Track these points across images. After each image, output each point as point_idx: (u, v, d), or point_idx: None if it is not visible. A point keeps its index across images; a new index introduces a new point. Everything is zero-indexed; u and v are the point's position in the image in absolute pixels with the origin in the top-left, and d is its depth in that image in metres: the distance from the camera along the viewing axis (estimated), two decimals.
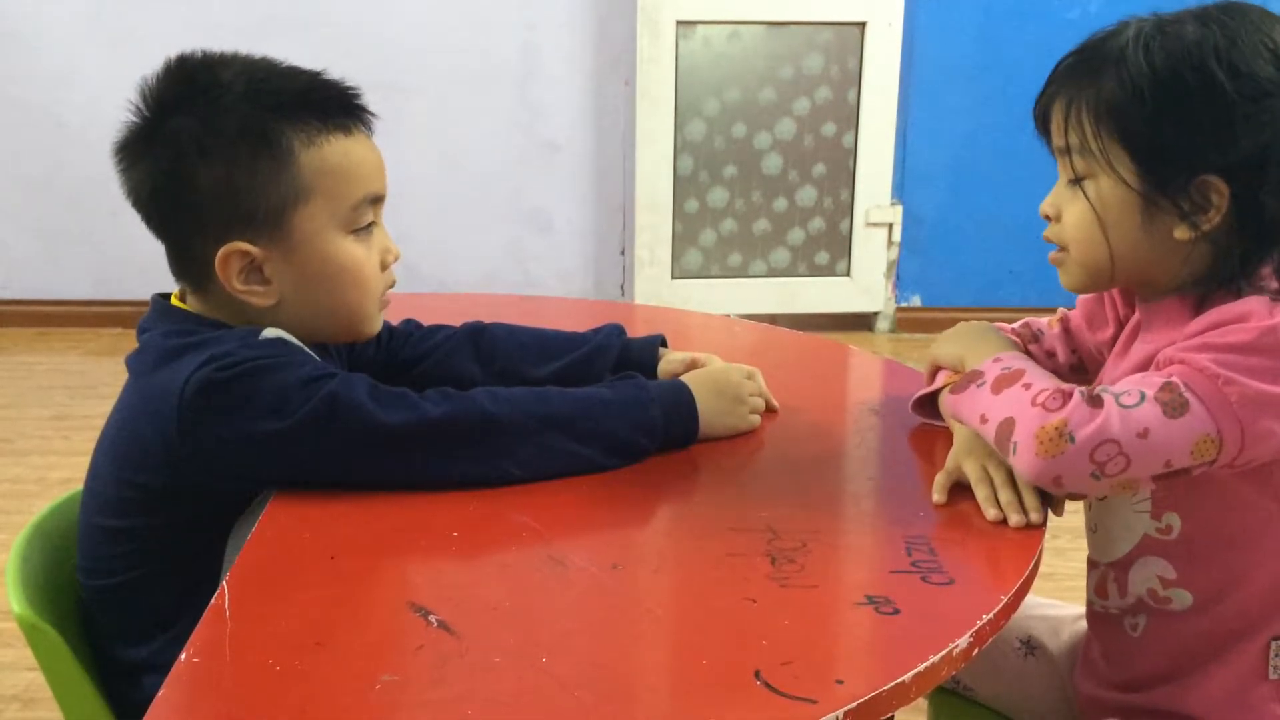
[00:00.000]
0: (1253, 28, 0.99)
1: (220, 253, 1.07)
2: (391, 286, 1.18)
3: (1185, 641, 1.08)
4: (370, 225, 1.13)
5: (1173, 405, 0.94)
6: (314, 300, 1.11)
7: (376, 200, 1.13)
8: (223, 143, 1.05)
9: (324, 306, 1.12)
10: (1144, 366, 1.06)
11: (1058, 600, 1.32)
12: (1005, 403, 1.01)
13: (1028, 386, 1.01)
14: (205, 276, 1.09)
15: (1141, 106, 1.00)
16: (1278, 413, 0.95)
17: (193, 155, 1.06)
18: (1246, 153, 0.98)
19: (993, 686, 1.28)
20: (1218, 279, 1.02)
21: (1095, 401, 0.96)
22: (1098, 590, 1.14)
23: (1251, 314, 0.97)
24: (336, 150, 1.09)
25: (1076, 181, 1.06)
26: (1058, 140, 1.07)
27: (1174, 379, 0.96)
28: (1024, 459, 0.97)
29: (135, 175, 1.09)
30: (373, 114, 1.14)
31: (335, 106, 1.11)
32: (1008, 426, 0.99)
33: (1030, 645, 1.27)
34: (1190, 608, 1.07)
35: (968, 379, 1.09)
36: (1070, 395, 0.97)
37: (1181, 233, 1.01)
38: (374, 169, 1.13)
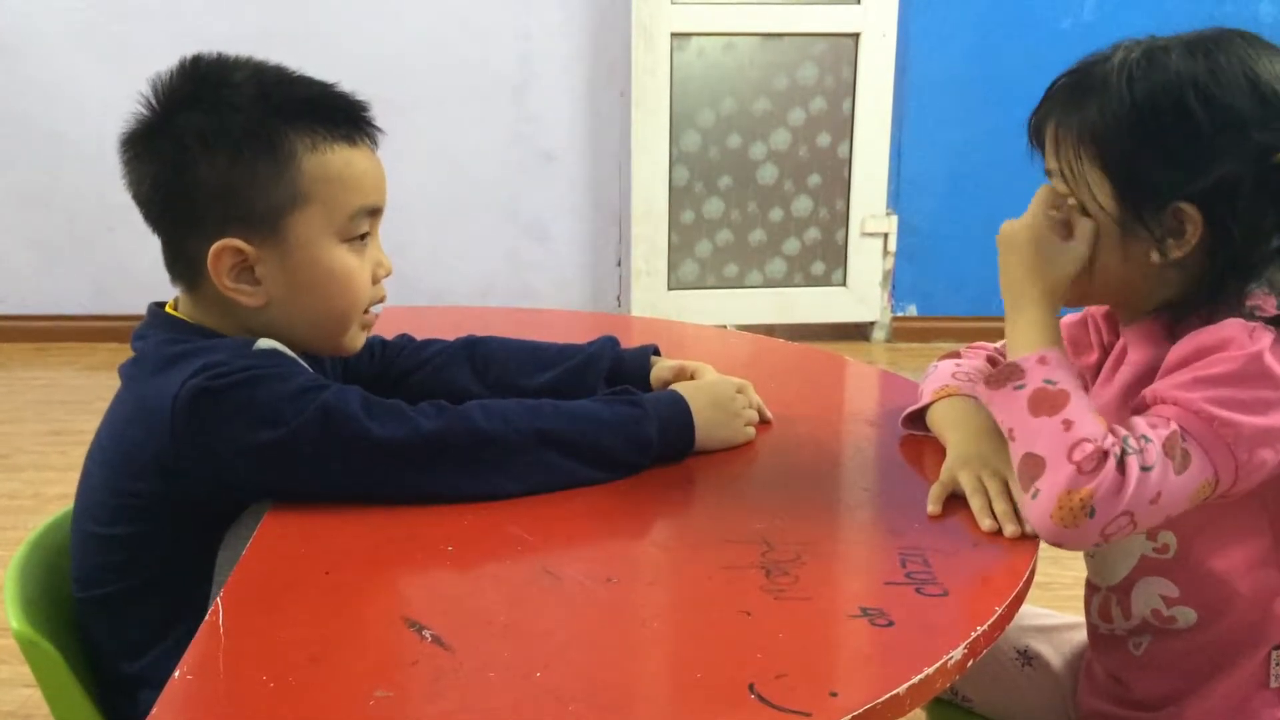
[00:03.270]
0: (1236, 59, 1.00)
1: (214, 248, 1.07)
2: (380, 301, 1.18)
3: (1188, 658, 1.08)
4: (365, 236, 1.13)
5: (1177, 459, 0.94)
6: (302, 306, 1.11)
7: (374, 212, 1.14)
8: (227, 141, 1.06)
9: (311, 313, 1.12)
10: (1129, 391, 1.06)
11: (1054, 610, 1.32)
12: (1039, 434, 0.96)
13: (1068, 425, 0.95)
14: (198, 275, 1.10)
15: (1120, 135, 1.01)
16: (1270, 442, 0.95)
17: (196, 151, 1.06)
18: (1218, 182, 0.98)
19: (991, 697, 1.28)
20: (1191, 303, 1.02)
21: (1122, 467, 0.93)
22: (1101, 614, 1.14)
23: (1231, 340, 0.97)
24: (339, 159, 1.10)
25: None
26: (1048, 162, 1.08)
27: (1174, 427, 0.95)
28: (1038, 516, 0.95)
29: (138, 169, 1.10)
30: (379, 129, 1.15)
31: (342, 117, 1.11)
32: (1035, 466, 0.96)
33: (1027, 655, 1.27)
34: (1194, 625, 1.07)
35: (1006, 375, 1.02)
36: (1106, 457, 0.93)
37: (1157, 257, 1.02)
38: (375, 181, 1.13)
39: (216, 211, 1.07)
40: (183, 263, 1.11)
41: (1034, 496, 0.95)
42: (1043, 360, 1.01)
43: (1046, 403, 0.98)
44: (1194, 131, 0.98)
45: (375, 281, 1.15)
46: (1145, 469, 0.92)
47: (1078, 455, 0.93)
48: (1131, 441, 0.94)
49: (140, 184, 1.10)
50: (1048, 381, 0.99)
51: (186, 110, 1.08)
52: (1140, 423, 0.97)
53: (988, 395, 1.05)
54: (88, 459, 1.13)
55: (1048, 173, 1.09)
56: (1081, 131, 1.03)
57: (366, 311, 1.16)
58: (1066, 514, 0.93)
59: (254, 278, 1.09)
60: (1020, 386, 1.00)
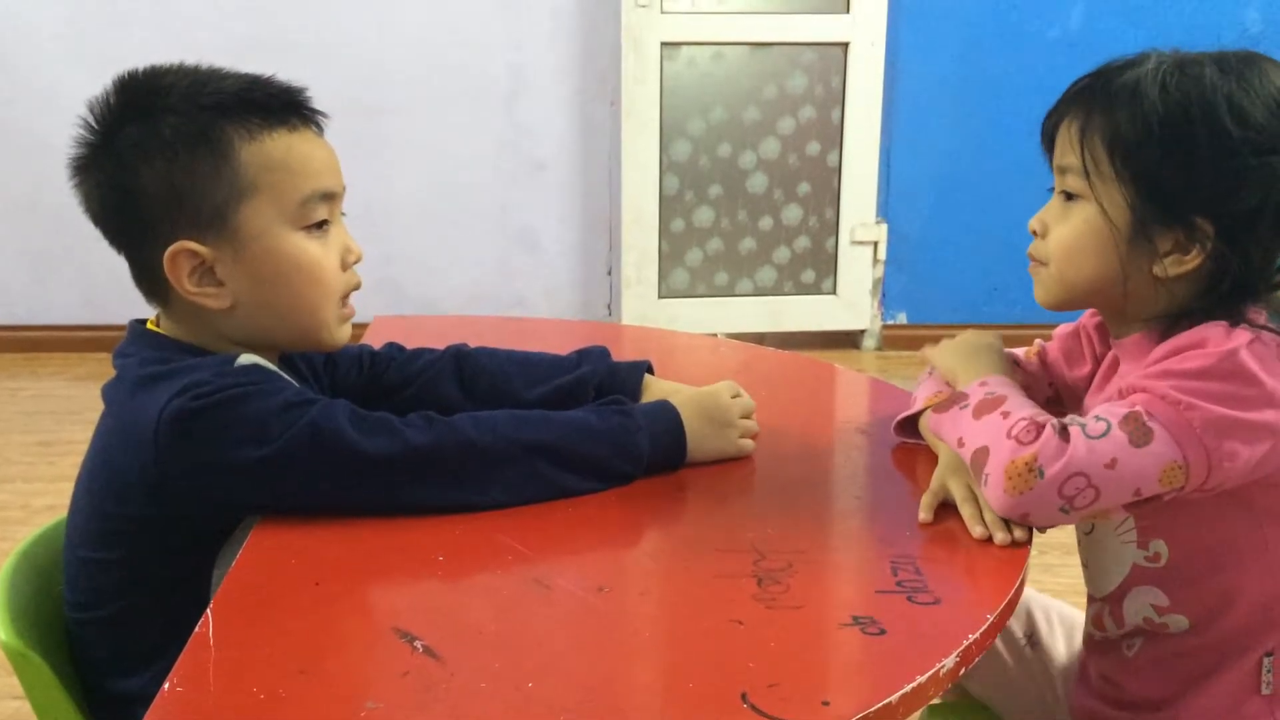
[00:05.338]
0: (1268, 80, 1.00)
1: (167, 253, 1.06)
2: (356, 288, 1.15)
3: (1180, 660, 1.08)
4: (325, 223, 1.11)
5: (1137, 434, 0.95)
6: (270, 301, 1.09)
7: (329, 196, 1.11)
8: (161, 144, 1.05)
9: (280, 307, 1.10)
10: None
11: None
12: (983, 430, 1.02)
13: (1006, 415, 1.01)
14: (165, 287, 1.08)
15: (1149, 143, 1.00)
16: (1242, 436, 0.95)
17: (135, 160, 1.06)
18: (1243, 203, 0.99)
19: (986, 677, 1.28)
20: (1186, 317, 1.02)
21: (1064, 434, 0.96)
22: (1095, 623, 1.14)
23: (1208, 339, 0.98)
24: (279, 145, 1.08)
25: (1070, 198, 1.06)
26: (1060, 159, 1.07)
27: (1137, 408, 0.96)
28: (994, 493, 0.98)
29: (87, 190, 1.10)
30: (321, 113, 1.13)
31: (277, 104, 1.09)
32: (982, 456, 1.00)
33: (1034, 640, 1.27)
34: (1186, 630, 1.07)
35: (952, 400, 1.10)
36: (1043, 428, 0.97)
37: (1160, 270, 1.02)
38: (323, 164, 1.11)
39: (165, 217, 1.06)
40: (147, 277, 1.10)
41: (986, 482, 0.99)
42: (983, 383, 1.09)
43: (987, 406, 1.05)
44: (1225, 148, 0.98)
45: (345, 268, 1.13)
46: (1091, 436, 0.95)
47: (1015, 431, 0.98)
48: (1078, 418, 0.98)
49: (90, 205, 1.10)
50: (988, 394, 1.06)
51: (122, 125, 1.07)
52: (1101, 407, 0.98)
53: (935, 420, 1.11)
54: (77, 482, 1.12)
55: (1059, 169, 1.08)
56: (1106, 133, 1.02)
57: (344, 303, 1.14)
58: (1016, 480, 0.96)
59: (215, 279, 1.08)
60: (965, 406, 1.07)
